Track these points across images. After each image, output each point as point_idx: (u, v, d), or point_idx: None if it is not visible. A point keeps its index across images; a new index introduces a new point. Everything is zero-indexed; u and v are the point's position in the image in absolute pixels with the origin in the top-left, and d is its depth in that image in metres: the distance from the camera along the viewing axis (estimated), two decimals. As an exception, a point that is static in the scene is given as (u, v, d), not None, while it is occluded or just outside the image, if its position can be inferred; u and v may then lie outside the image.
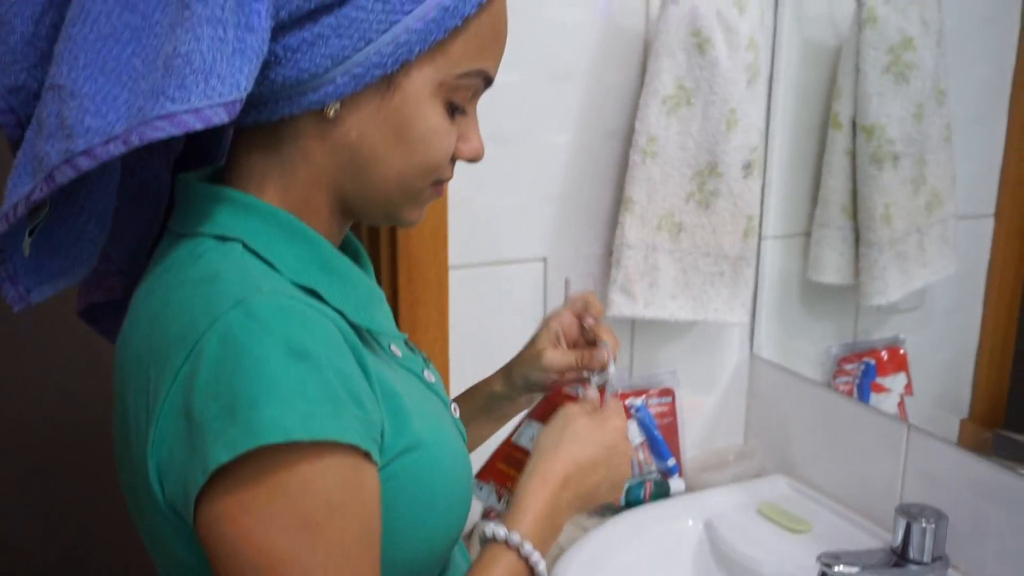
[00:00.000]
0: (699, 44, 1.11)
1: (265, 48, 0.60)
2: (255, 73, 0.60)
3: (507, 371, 0.95)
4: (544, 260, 1.21)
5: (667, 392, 1.31)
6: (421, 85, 0.65)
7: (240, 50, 0.59)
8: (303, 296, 0.63)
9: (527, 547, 0.70)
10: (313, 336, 0.60)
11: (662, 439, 1.29)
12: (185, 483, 0.59)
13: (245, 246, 0.65)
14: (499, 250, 1.18)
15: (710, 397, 1.38)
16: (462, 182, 1.12)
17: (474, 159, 0.73)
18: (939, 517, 1.04)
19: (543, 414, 0.90)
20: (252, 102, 0.64)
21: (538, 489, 0.74)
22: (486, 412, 0.96)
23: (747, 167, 1.16)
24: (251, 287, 0.61)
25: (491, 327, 1.20)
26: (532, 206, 1.18)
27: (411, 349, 0.83)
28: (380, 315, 0.71)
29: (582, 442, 0.78)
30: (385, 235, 1.11)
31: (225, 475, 0.57)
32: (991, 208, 1.28)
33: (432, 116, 0.67)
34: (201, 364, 0.58)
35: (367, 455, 0.61)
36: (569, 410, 0.81)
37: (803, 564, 1.09)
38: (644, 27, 1.18)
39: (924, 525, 1.03)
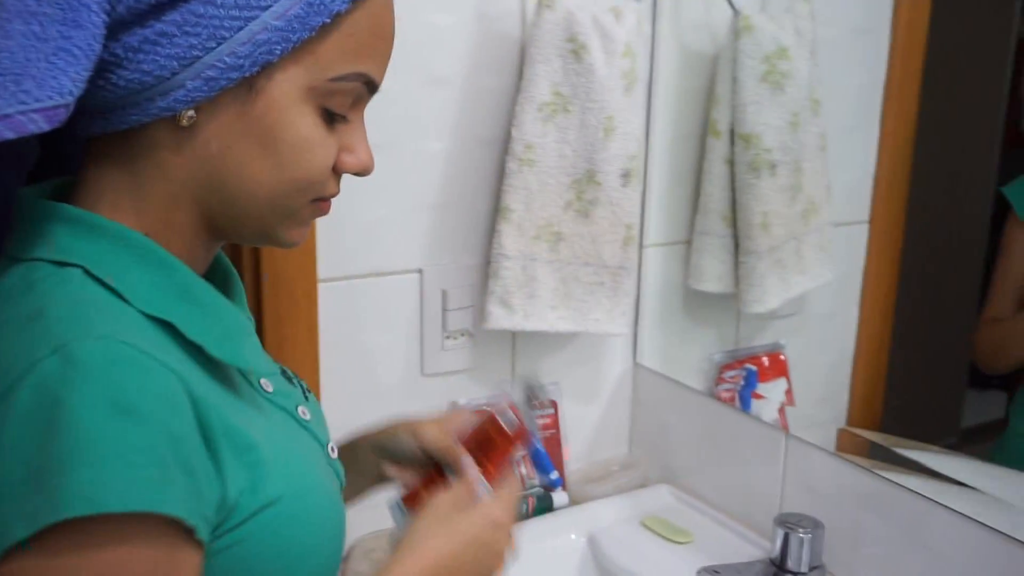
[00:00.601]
0: (575, 50, 1.08)
1: (99, 46, 0.54)
2: (86, 74, 0.54)
3: (380, 434, 0.86)
4: (420, 272, 1.16)
5: (549, 404, 1.28)
6: (287, 89, 0.59)
7: (65, 48, 0.53)
8: (143, 339, 0.55)
9: None
10: (143, 390, 0.53)
11: (545, 452, 1.26)
12: None
13: (87, 272, 0.58)
14: (373, 262, 1.13)
15: (593, 408, 1.36)
16: (331, 191, 1.06)
17: (361, 172, 0.66)
18: (816, 526, 1.04)
19: (473, 447, 0.80)
20: (97, 109, 0.59)
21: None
22: (359, 469, 0.87)
23: (626, 175, 1.14)
24: (78, 328, 0.53)
25: (366, 342, 1.15)
26: (407, 216, 1.14)
27: (288, 379, 0.76)
28: (247, 348, 0.64)
29: (457, 535, 0.71)
30: (247, 247, 1.04)
31: (22, 551, 0.50)
32: (865, 215, 1.31)
33: (302, 125, 0.60)
34: (9, 418, 0.51)
35: (190, 532, 0.54)
36: (437, 499, 0.74)
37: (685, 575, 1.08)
38: (520, 32, 1.15)
39: (801, 535, 1.03)
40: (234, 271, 0.74)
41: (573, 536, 1.20)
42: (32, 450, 0.50)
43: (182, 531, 0.54)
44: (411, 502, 0.79)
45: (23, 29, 0.52)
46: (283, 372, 0.77)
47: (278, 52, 0.58)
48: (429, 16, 1.09)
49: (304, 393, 0.77)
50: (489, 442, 0.79)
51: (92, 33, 0.54)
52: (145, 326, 0.57)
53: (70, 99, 0.53)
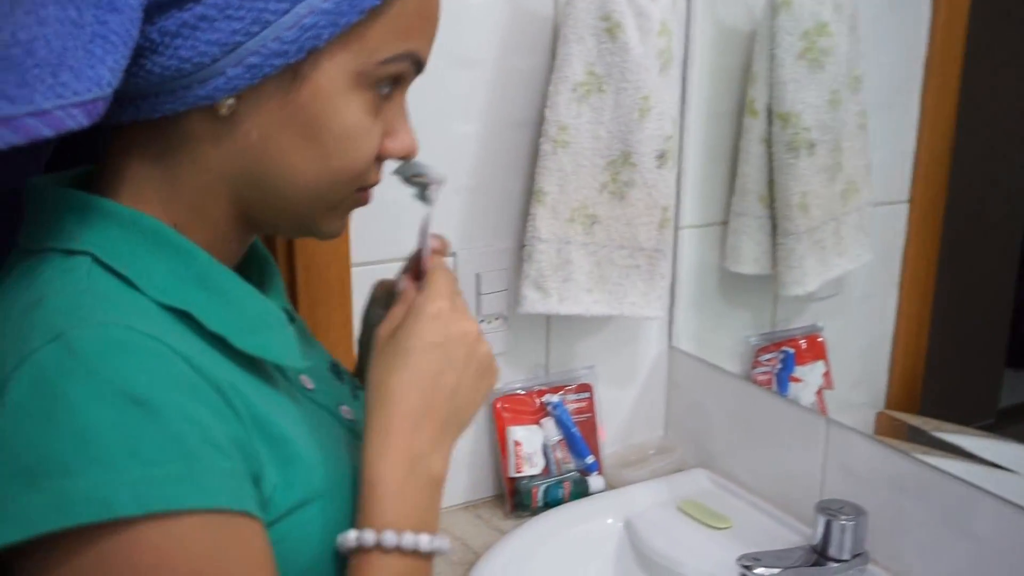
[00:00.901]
0: (609, 29, 1.06)
1: (136, 32, 0.50)
2: (124, 63, 0.50)
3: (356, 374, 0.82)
4: (454, 255, 1.15)
5: (585, 388, 1.27)
6: (334, 76, 0.56)
7: (101, 35, 0.49)
8: (153, 326, 0.51)
9: (407, 538, 0.57)
10: (154, 376, 0.49)
11: (580, 436, 1.25)
12: None
13: (96, 260, 0.54)
14: (406, 246, 1.11)
15: (629, 391, 1.35)
16: (364, 175, 1.05)
17: (406, 157, 0.63)
18: (859, 513, 1.02)
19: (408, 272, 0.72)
20: (128, 96, 0.55)
21: (386, 452, 0.59)
22: None
23: (661, 156, 1.12)
24: (78, 316, 0.49)
25: (399, 326, 1.14)
26: (440, 199, 1.12)
27: (336, 376, 0.72)
28: (277, 341, 0.59)
29: (409, 357, 0.61)
30: (282, 232, 1.04)
31: (28, 558, 0.46)
32: (905, 194, 1.28)
33: (350, 112, 0.57)
34: (4, 413, 0.47)
35: (244, 515, 0.51)
36: (381, 328, 0.65)
37: (723, 562, 1.06)
38: (552, 11, 1.13)
39: (844, 522, 1.01)
40: (271, 261, 0.71)
41: (610, 520, 1.19)
42: (25, 446, 0.46)
43: (235, 515, 0.50)
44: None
45: (59, 14, 0.48)
46: (333, 368, 0.74)
47: (326, 37, 0.54)
48: (459, -3, 1.08)
49: (353, 391, 0.74)
50: (413, 260, 0.72)
51: (129, 17, 0.50)
52: (160, 316, 0.54)
53: (109, 91, 0.49)
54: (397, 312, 0.66)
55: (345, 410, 0.68)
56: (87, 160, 0.65)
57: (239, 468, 0.51)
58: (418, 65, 0.61)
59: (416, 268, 0.71)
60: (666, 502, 1.23)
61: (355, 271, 1.08)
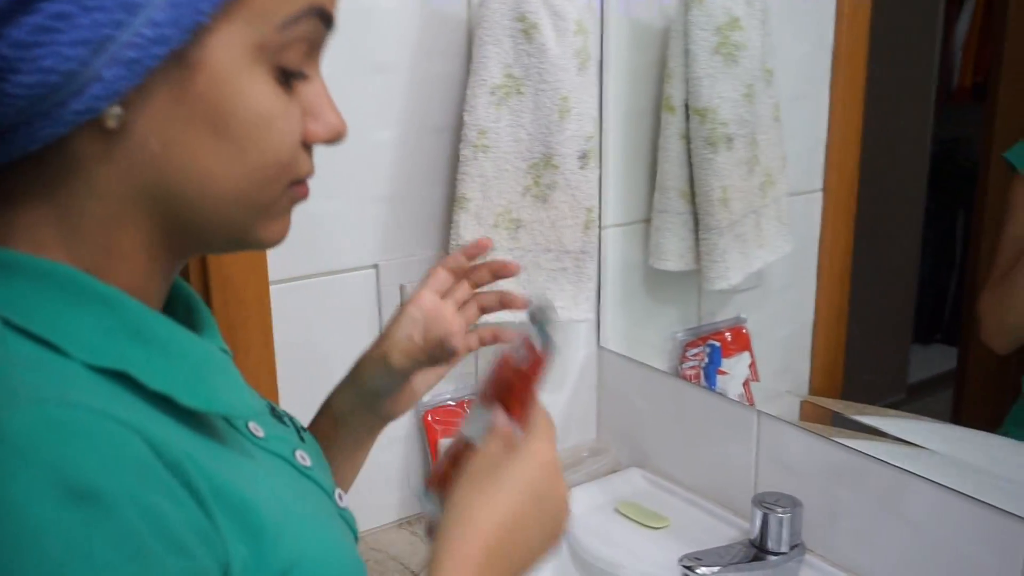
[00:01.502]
0: (525, 30, 1.04)
1: None
2: None
3: (349, 384, 0.77)
4: (376, 267, 1.12)
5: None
6: (230, 55, 0.48)
7: None
8: (93, 397, 0.45)
9: None
10: (102, 463, 0.42)
11: (514, 444, 1.23)
12: None
13: (7, 323, 0.46)
14: (325, 260, 1.08)
15: (559, 395, 1.33)
16: (278, 188, 1.01)
17: (334, 140, 0.55)
18: (794, 504, 1.03)
19: (494, 397, 0.68)
20: None
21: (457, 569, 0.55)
22: (337, 444, 0.77)
23: (583, 157, 1.11)
24: (3, 393, 0.43)
25: (323, 343, 1.10)
26: (358, 209, 1.09)
27: (279, 419, 0.66)
28: (224, 389, 0.53)
29: (509, 495, 0.58)
30: (193, 252, 0.99)
31: None
32: (819, 183, 1.30)
33: (257, 94, 0.49)
34: None
35: None
36: (471, 464, 0.61)
37: (664, 563, 1.06)
38: (466, 13, 1.10)
39: (780, 514, 1.02)
40: (196, 296, 0.63)
41: (547, 528, 1.17)
42: None
43: None
44: (439, 484, 0.66)
45: None
46: (272, 411, 0.67)
47: (207, 9, 0.46)
48: (370, 0, 1.04)
49: (299, 434, 0.67)
50: (508, 385, 0.67)
51: None
52: (93, 382, 0.47)
53: None
54: (494, 448, 0.61)
55: (300, 455, 0.61)
56: None
57: (196, 565, 0.45)
58: (326, 19, 0.52)
59: (502, 393, 0.66)
60: (603, 504, 1.22)
61: (274, 288, 1.04)
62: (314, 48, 0.53)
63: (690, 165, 1.25)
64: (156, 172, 0.49)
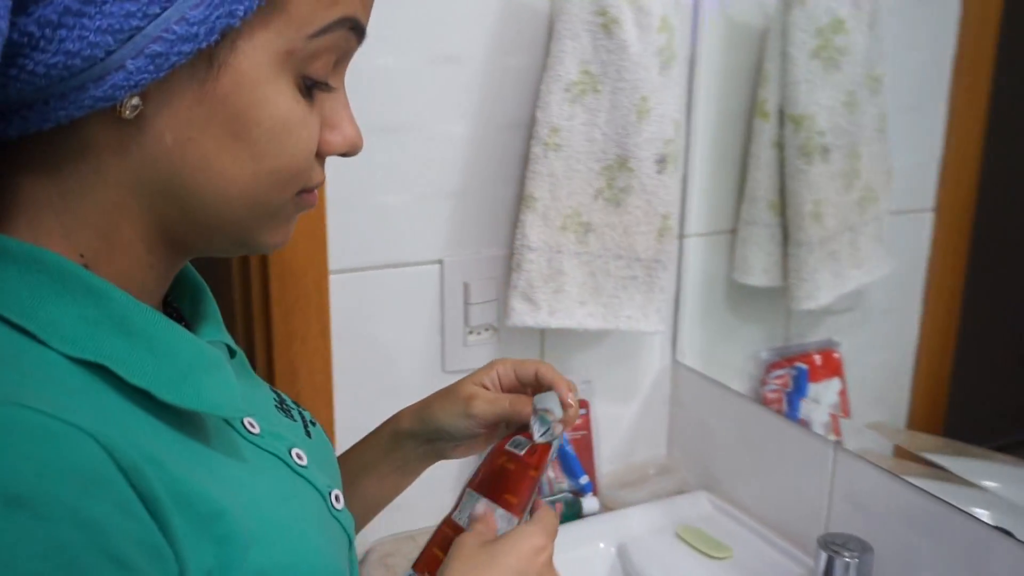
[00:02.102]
0: (605, 24, 0.99)
1: (3, 24, 0.43)
2: None
3: (420, 409, 0.77)
4: (440, 262, 1.09)
5: (581, 404, 1.20)
6: (259, 59, 0.48)
7: None
8: (55, 394, 0.44)
9: None
10: (42, 468, 0.40)
11: (574, 455, 1.19)
12: None
13: None
14: (389, 252, 1.06)
15: (629, 408, 1.28)
16: (341, 177, 1.00)
17: (349, 152, 0.55)
18: (864, 550, 0.95)
19: (486, 484, 0.72)
20: (11, 106, 0.47)
21: None
22: (389, 458, 0.78)
23: (661, 161, 1.05)
24: None
25: (382, 337, 1.09)
26: (425, 204, 1.07)
27: (287, 412, 0.65)
28: (210, 387, 0.52)
29: (487, 568, 0.61)
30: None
31: None
32: (930, 202, 1.20)
33: (281, 102, 0.49)
34: None
35: None
36: (470, 537, 0.65)
37: (719, 598, 1.00)
38: (549, 6, 1.06)
39: (847, 559, 0.94)
40: (204, 287, 0.62)
41: (602, 545, 1.13)
42: None
43: None
44: (426, 568, 0.69)
45: None
46: (280, 404, 0.66)
47: (241, 13, 0.46)
48: (449, -11, 1.02)
49: (307, 427, 0.67)
50: (502, 473, 0.71)
51: None
52: (68, 373, 0.46)
53: None
54: (481, 532, 0.65)
55: (297, 454, 0.60)
56: None
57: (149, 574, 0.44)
58: (358, 32, 0.52)
59: (494, 481, 0.70)
60: (664, 527, 1.16)
61: (334, 278, 1.03)
62: (342, 59, 0.53)
63: (782, 175, 1.18)
64: (167, 166, 0.49)
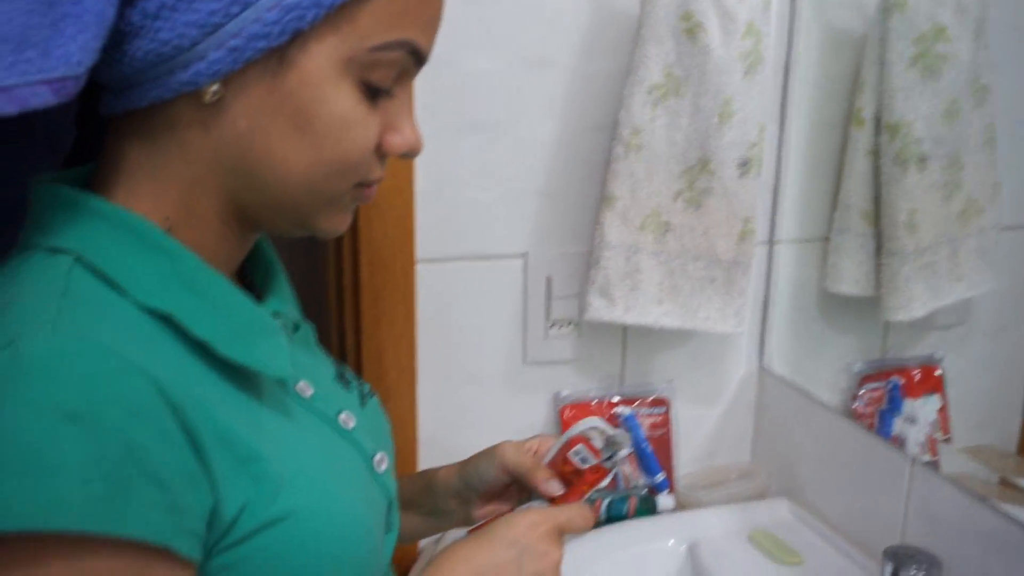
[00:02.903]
0: (690, 29, 1.02)
1: (113, 12, 0.50)
2: (97, 44, 0.49)
3: (462, 464, 0.82)
4: (525, 256, 1.14)
5: (661, 402, 1.23)
6: (323, 61, 0.54)
7: (74, 15, 0.48)
8: (120, 336, 0.50)
9: None
10: (97, 393, 0.47)
11: (651, 452, 1.21)
12: None
13: (80, 259, 0.53)
14: (475, 244, 1.12)
15: (712, 410, 1.28)
16: (432, 171, 1.06)
17: (408, 153, 0.60)
18: (932, 564, 0.93)
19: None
20: (117, 85, 0.55)
21: None
22: (420, 499, 0.83)
23: (744, 165, 1.06)
24: (39, 321, 0.48)
25: (466, 326, 1.14)
26: (512, 199, 1.12)
27: (343, 384, 0.72)
28: (265, 349, 0.58)
29: (485, 541, 0.65)
30: (348, 225, 1.06)
31: None
32: (1049, 217, 1.15)
33: (340, 100, 0.55)
34: None
35: (167, 552, 0.49)
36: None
37: (781, 602, 1.00)
38: (639, 10, 1.09)
39: (914, 572, 0.92)
40: (277, 265, 0.69)
41: (672, 542, 1.14)
42: None
43: (152, 551, 0.48)
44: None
45: None
46: (339, 375, 0.73)
47: (310, 18, 0.52)
48: (540, -5, 1.06)
49: (362, 398, 0.73)
50: (561, 477, 0.75)
51: None
52: (140, 320, 0.53)
53: (79, 70, 0.49)
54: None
55: (344, 418, 0.66)
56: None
57: (175, 502, 0.49)
58: (417, 56, 0.58)
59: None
60: (738, 530, 1.16)
61: (420, 267, 1.09)
62: (404, 74, 0.59)
63: (876, 184, 1.16)
64: (240, 149, 0.56)
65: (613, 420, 1.21)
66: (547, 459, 0.77)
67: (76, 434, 0.46)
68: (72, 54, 0.49)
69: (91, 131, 0.64)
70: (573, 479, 0.75)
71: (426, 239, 1.09)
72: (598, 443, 0.75)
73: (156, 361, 0.51)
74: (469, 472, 0.80)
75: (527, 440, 0.80)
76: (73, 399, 0.46)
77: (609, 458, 0.73)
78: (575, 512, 0.70)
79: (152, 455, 0.48)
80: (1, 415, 0.45)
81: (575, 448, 0.75)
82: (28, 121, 0.53)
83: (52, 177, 0.59)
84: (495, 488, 0.79)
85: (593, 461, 0.73)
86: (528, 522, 0.66)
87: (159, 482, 0.48)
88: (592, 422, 0.75)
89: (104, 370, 0.48)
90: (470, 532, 0.75)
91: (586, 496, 0.74)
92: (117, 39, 0.52)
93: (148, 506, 0.48)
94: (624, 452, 0.74)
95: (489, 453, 0.79)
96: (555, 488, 0.74)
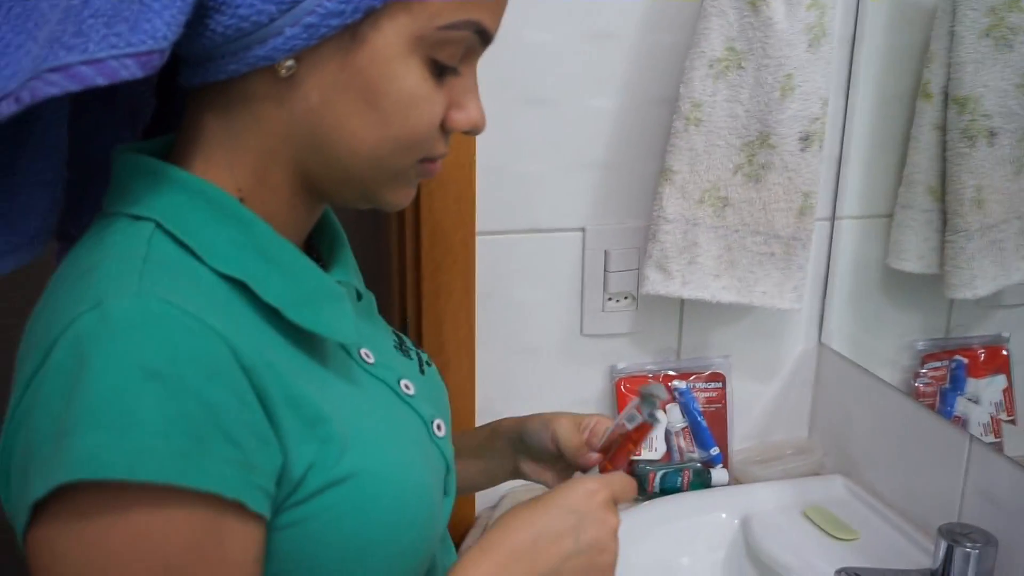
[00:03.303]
0: (752, 2, 1.01)
1: None
2: (182, 19, 0.51)
3: (521, 419, 0.84)
4: (583, 230, 1.15)
5: (717, 377, 1.23)
6: (393, 39, 0.55)
7: None
8: (198, 300, 0.53)
9: None
10: (176, 353, 0.49)
11: (706, 426, 1.21)
12: (16, 512, 0.52)
13: (160, 227, 0.56)
14: (534, 218, 1.13)
15: (769, 386, 1.28)
16: (492, 145, 1.07)
17: (472, 131, 0.62)
18: (987, 542, 0.92)
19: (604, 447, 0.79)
20: (196, 58, 0.57)
21: (478, 559, 0.62)
22: (482, 448, 0.86)
23: (806, 139, 1.06)
24: (123, 283, 0.51)
25: (524, 298, 1.16)
26: (571, 173, 1.12)
27: (403, 352, 0.74)
28: (330, 315, 0.60)
29: (542, 508, 0.65)
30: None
31: (45, 511, 0.49)
32: None
33: (409, 77, 0.56)
34: (47, 373, 0.50)
35: (239, 506, 0.51)
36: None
37: (833, 576, 1.00)
38: (702, -16, 1.08)
39: (968, 549, 0.92)
40: (341, 235, 0.72)
41: (724, 515, 1.15)
42: (59, 407, 0.48)
43: (225, 504, 0.50)
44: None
45: None
46: (399, 344, 0.75)
47: None
48: (601, -32, 1.06)
49: (422, 366, 0.75)
50: (612, 442, 0.77)
51: None
52: (215, 286, 0.56)
53: (164, 44, 0.51)
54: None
55: (405, 384, 0.68)
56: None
57: (248, 459, 0.51)
58: (483, 35, 0.59)
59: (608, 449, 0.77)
60: (791, 505, 1.16)
61: (480, 239, 1.11)
62: (470, 52, 0.60)
63: (943, 159, 1.14)
64: (312, 122, 0.57)
65: (669, 393, 1.21)
66: (600, 443, 0.77)
67: (158, 391, 0.48)
68: (158, 28, 0.51)
69: (170, 103, 0.67)
70: (622, 442, 0.76)
71: (486, 212, 1.10)
72: (639, 405, 0.76)
73: (231, 325, 0.53)
74: (527, 429, 0.82)
75: (584, 416, 0.81)
76: (155, 358, 0.49)
77: (650, 414, 0.74)
78: (621, 482, 0.71)
79: (227, 414, 0.51)
80: (89, 372, 0.48)
81: (625, 413, 0.77)
82: (110, 92, 0.56)
83: (133, 147, 0.62)
84: (544, 454, 0.81)
85: (639, 418, 0.74)
86: (585, 490, 0.67)
87: (233, 440, 0.51)
88: (635, 401, 0.76)
89: (184, 332, 0.50)
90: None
91: (630, 457, 0.75)
92: (200, 14, 0.54)
93: (223, 461, 0.50)
94: (660, 399, 0.74)
95: (546, 422, 0.81)
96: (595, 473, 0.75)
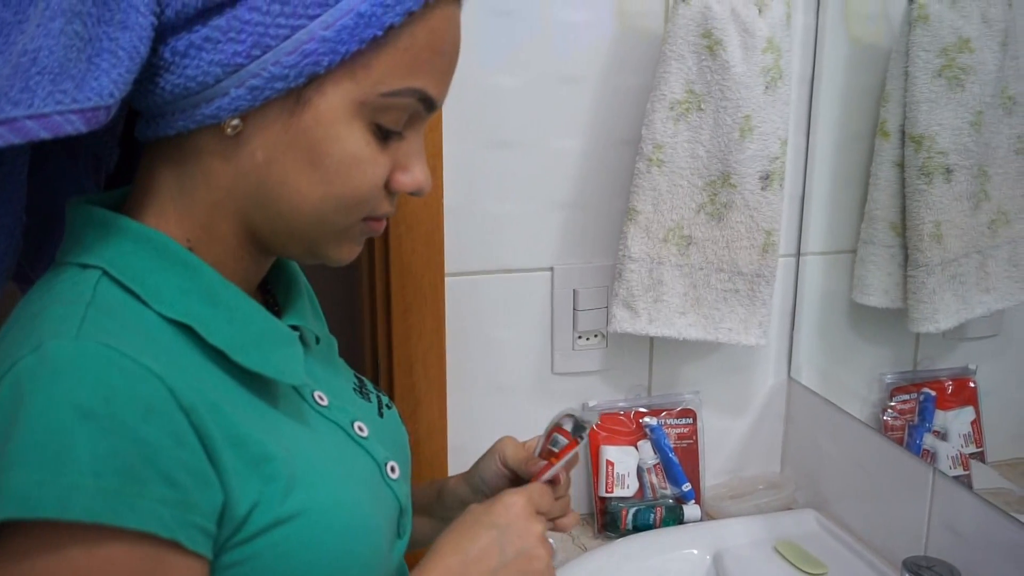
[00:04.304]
0: (709, 46, 1.04)
1: (146, 49, 0.54)
2: (130, 78, 0.54)
3: (467, 472, 0.86)
4: (551, 270, 1.16)
5: (688, 413, 1.24)
6: (336, 103, 0.57)
7: (110, 50, 0.52)
8: (138, 343, 0.53)
9: None
10: (112, 393, 0.50)
11: (678, 463, 1.22)
12: None
13: (107, 274, 0.58)
14: (503, 258, 1.15)
15: (740, 422, 1.29)
16: (460, 187, 1.09)
17: (416, 192, 0.64)
18: (950, 574, 0.93)
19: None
20: (149, 113, 0.59)
21: None
22: (432, 506, 0.87)
23: (766, 178, 1.08)
24: (64, 327, 0.52)
25: (495, 338, 1.17)
26: (538, 214, 1.14)
27: (361, 395, 0.75)
28: (279, 358, 0.62)
29: (467, 528, 0.69)
30: (379, 240, 1.10)
31: None
32: (1085, 228, 1.14)
33: (350, 140, 0.58)
34: None
35: (176, 545, 0.52)
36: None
37: (803, 612, 1.01)
38: (663, 29, 1.11)
39: (932, 582, 0.93)
40: (299, 282, 0.73)
41: (696, 552, 1.15)
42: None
43: (164, 544, 0.51)
44: None
45: (64, 27, 0.51)
46: (359, 387, 0.76)
47: (325, 64, 0.56)
48: (564, 14, 1.09)
49: (381, 408, 0.76)
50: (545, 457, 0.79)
51: (139, 35, 0.53)
52: (161, 329, 0.57)
53: (111, 101, 0.52)
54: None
55: (359, 426, 0.69)
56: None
57: (185, 498, 0.52)
58: (427, 103, 0.61)
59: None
60: (763, 540, 1.17)
61: (449, 280, 1.12)
62: (415, 117, 0.62)
63: (903, 196, 1.16)
64: (258, 178, 0.59)
65: (640, 430, 1.22)
66: (536, 451, 0.80)
67: (91, 430, 0.49)
68: (105, 86, 0.53)
69: (135, 154, 0.69)
70: (551, 460, 0.78)
71: (455, 253, 1.12)
72: (568, 426, 0.78)
73: (173, 367, 0.54)
74: (474, 476, 0.84)
75: (528, 440, 0.83)
76: (90, 398, 0.50)
77: (578, 434, 0.77)
78: (539, 489, 0.74)
79: (162, 453, 0.51)
80: (25, 411, 0.49)
81: (552, 438, 0.79)
82: (73, 142, 0.58)
83: (88, 199, 0.63)
84: (499, 485, 0.82)
85: (565, 443, 0.77)
86: (503, 503, 0.70)
87: (169, 479, 0.51)
88: (565, 410, 0.79)
89: (120, 373, 0.51)
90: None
91: (552, 469, 0.77)
92: (149, 72, 0.57)
93: (157, 501, 0.51)
94: (591, 425, 0.78)
95: (491, 451, 0.83)
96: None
